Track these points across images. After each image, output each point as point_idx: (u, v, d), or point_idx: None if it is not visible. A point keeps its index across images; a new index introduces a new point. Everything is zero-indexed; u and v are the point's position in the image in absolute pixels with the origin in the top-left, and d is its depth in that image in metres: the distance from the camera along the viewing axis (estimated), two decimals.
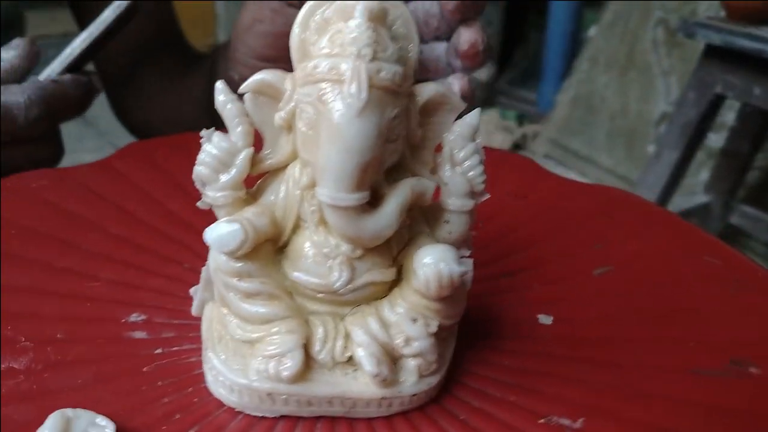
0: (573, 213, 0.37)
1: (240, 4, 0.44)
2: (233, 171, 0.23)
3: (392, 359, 0.23)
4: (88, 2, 0.51)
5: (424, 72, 0.41)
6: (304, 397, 0.22)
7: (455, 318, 0.24)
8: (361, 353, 0.22)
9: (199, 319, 0.25)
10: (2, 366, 0.23)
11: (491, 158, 0.43)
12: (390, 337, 0.23)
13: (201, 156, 0.23)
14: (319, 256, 0.23)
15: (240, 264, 0.22)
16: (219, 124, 0.23)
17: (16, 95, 0.35)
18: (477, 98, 0.39)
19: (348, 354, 0.23)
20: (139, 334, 0.26)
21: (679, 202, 1.20)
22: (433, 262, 0.22)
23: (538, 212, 0.37)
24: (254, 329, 0.23)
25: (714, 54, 1.01)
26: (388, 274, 0.23)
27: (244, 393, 0.22)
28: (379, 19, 0.21)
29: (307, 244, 0.23)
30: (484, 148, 0.49)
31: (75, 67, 0.38)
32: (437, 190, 0.24)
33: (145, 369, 0.24)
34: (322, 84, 0.21)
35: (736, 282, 0.32)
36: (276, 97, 0.23)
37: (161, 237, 0.31)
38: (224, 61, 0.46)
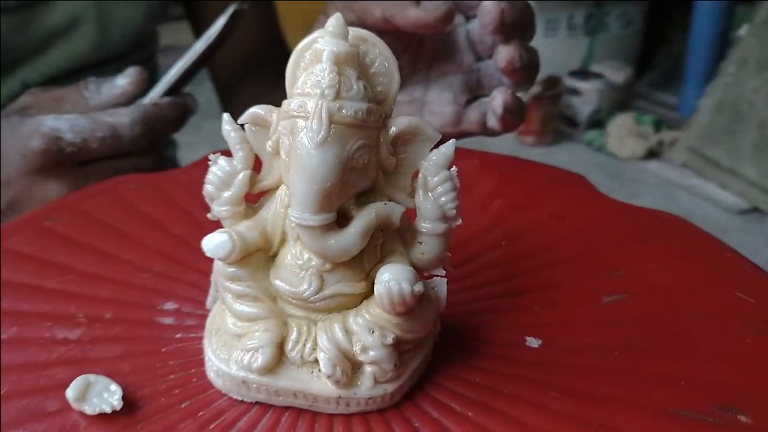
0: (607, 237, 0.36)
1: None
2: (233, 190, 0.27)
3: (353, 364, 0.26)
4: (205, 19, 0.60)
5: (480, 87, 0.42)
6: (272, 388, 0.26)
7: (419, 332, 0.26)
8: (322, 356, 0.25)
9: None
10: (60, 336, 0.29)
11: (544, 175, 0.44)
12: (351, 344, 0.25)
13: (208, 176, 0.27)
14: (295, 267, 0.26)
15: (232, 269, 0.27)
16: None
17: (123, 117, 0.43)
18: (522, 113, 0.40)
19: (314, 355, 0.26)
20: (168, 320, 0.31)
21: None
22: (386, 280, 0.24)
23: (570, 234, 0.37)
24: (242, 326, 0.27)
25: None
26: (358, 288, 0.26)
27: (227, 379, 0.26)
28: (346, 62, 0.24)
29: (288, 256, 0.27)
30: (542, 164, 0.49)
31: (173, 90, 0.46)
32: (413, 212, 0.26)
33: (163, 350, 0.29)
34: (295, 119, 0.24)
35: (765, 324, 0.30)
36: (267, 128, 0.26)
37: None
38: None
